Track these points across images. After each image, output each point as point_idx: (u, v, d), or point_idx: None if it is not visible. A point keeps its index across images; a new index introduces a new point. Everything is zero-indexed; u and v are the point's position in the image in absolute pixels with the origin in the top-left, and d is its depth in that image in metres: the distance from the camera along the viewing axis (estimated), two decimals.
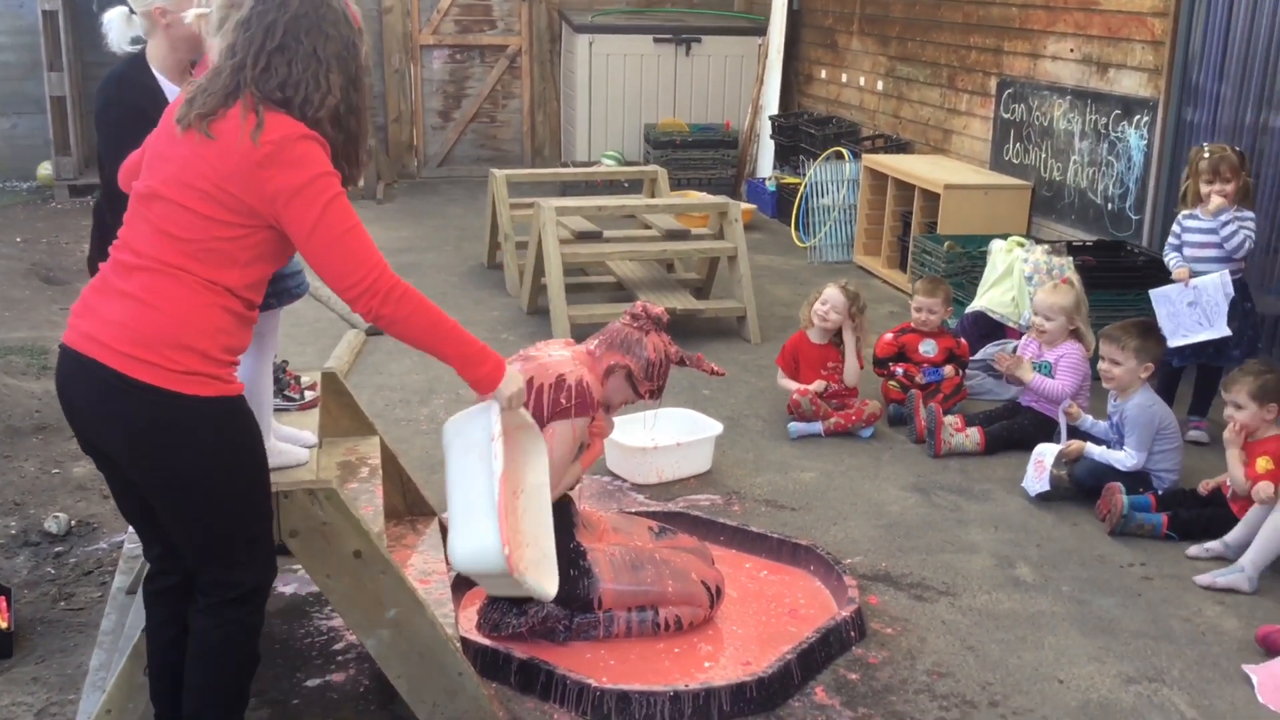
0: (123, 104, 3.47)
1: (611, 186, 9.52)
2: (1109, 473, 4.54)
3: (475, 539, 2.85)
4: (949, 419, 5.10)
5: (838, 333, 5.34)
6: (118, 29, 3.38)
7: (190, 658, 2.71)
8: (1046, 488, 4.59)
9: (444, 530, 3.90)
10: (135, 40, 3.47)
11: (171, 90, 3.58)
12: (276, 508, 2.79)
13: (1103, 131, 6.69)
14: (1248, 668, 3.53)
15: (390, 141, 11.22)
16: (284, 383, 3.49)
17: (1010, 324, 5.87)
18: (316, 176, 2.52)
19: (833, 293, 5.28)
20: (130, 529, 4.19)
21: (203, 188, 2.50)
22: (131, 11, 3.36)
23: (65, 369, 2.57)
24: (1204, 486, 4.44)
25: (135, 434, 2.50)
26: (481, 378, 2.79)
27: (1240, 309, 5.01)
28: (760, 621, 3.73)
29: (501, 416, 2.88)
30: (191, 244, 2.51)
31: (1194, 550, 4.23)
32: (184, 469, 2.52)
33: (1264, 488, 4.07)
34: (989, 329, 5.96)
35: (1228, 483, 4.32)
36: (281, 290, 3.27)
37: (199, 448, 2.51)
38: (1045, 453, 4.66)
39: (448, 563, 3.71)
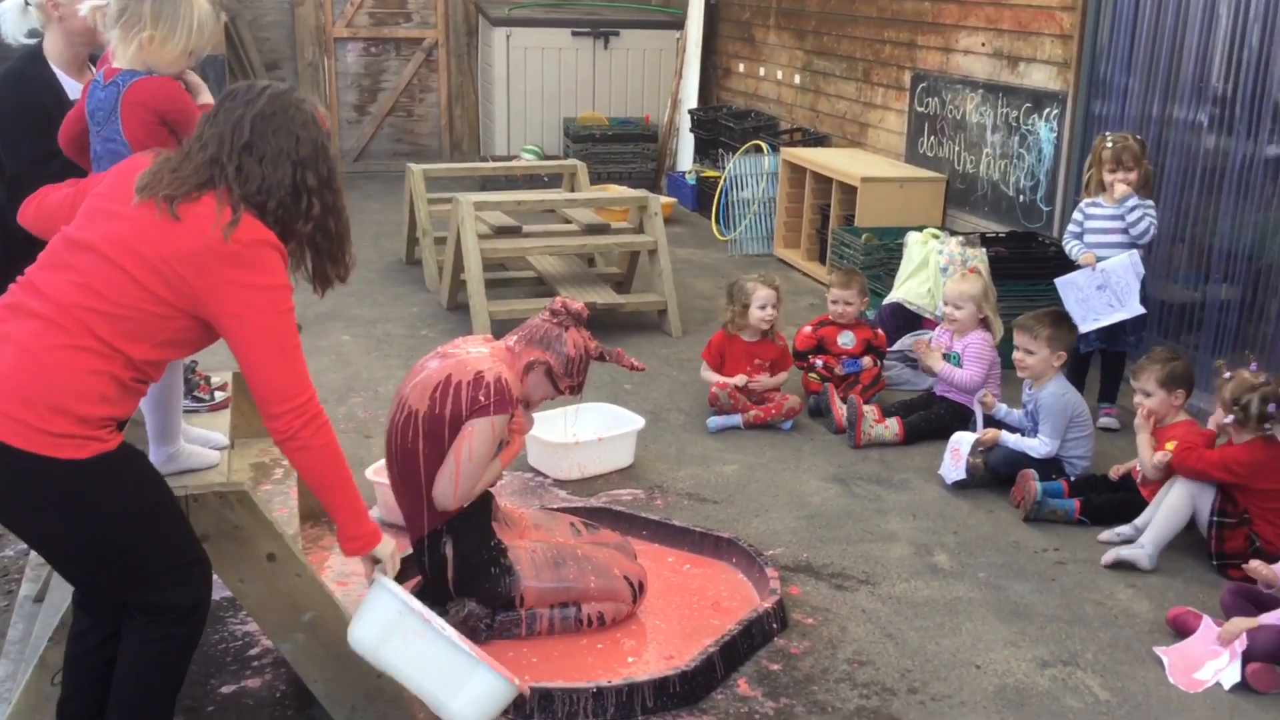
0: (24, 103, 3.38)
1: (531, 181, 9.47)
2: (1023, 460, 4.62)
3: (487, 695, 2.70)
4: (867, 409, 5.15)
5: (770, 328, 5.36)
6: (12, 21, 3.29)
7: (121, 672, 2.65)
8: (963, 476, 4.66)
9: None
10: (32, 33, 3.37)
11: (71, 85, 3.48)
12: (186, 511, 2.72)
13: (1014, 124, 6.80)
14: (1159, 650, 3.61)
15: None
16: (193, 384, 3.42)
17: (927, 315, 5.94)
18: (278, 287, 2.50)
19: (766, 294, 5.28)
20: None
21: (150, 258, 2.42)
22: (27, 3, 3.27)
23: None
24: (1114, 472, 4.53)
25: (10, 502, 2.42)
26: (362, 535, 2.70)
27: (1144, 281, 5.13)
28: (683, 615, 3.73)
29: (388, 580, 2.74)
30: (112, 305, 2.42)
31: (1105, 535, 4.32)
32: (74, 531, 2.44)
33: (1161, 456, 4.20)
34: (906, 320, 6.03)
35: (1137, 468, 4.41)
36: None
37: (86, 508, 2.43)
38: (961, 441, 4.72)
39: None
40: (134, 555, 2.52)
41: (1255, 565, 3.76)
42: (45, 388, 2.37)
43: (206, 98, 3.21)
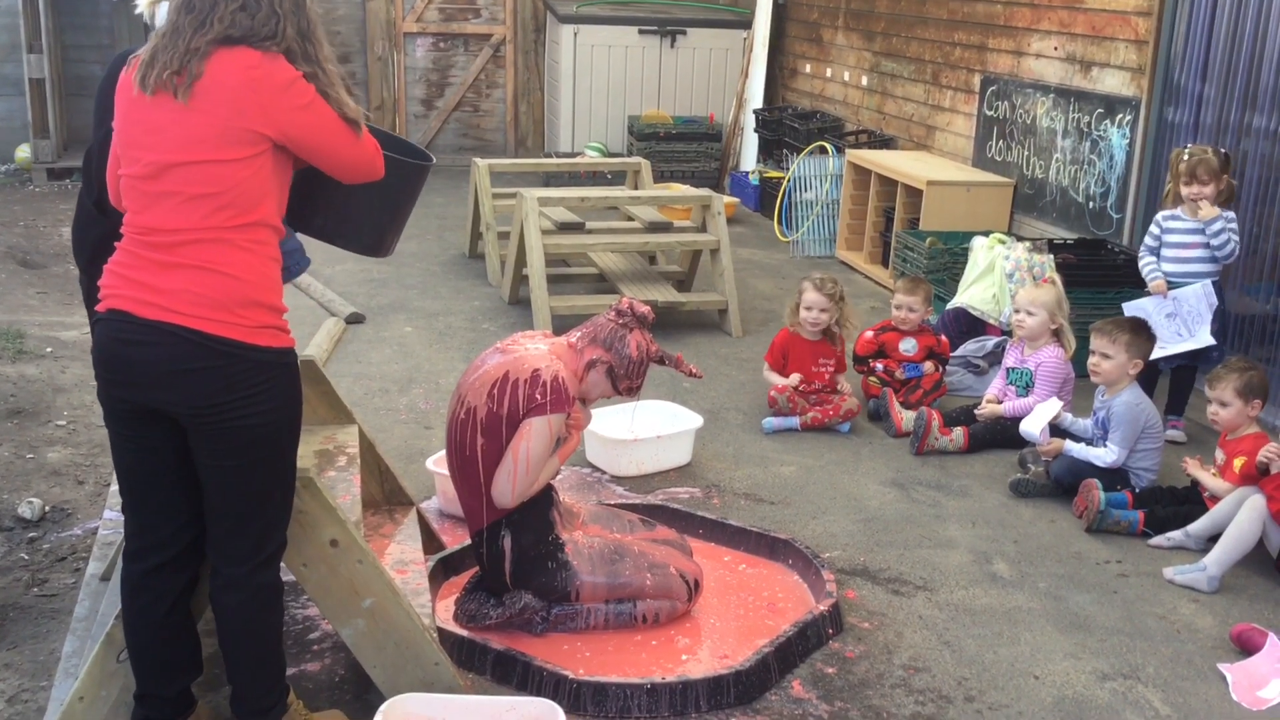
0: (112, 83, 3.45)
1: (594, 178, 9.51)
2: (1087, 469, 4.55)
3: None
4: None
5: (828, 328, 5.32)
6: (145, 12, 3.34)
7: (233, 635, 2.77)
8: (1045, 438, 4.66)
9: (422, 520, 3.88)
10: None
11: None
12: None
13: (1085, 130, 6.70)
14: (1222, 666, 3.55)
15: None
16: None
17: (991, 321, 5.88)
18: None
19: (812, 296, 5.26)
20: (108, 515, 4.17)
21: (212, 135, 2.55)
22: None
23: (126, 333, 2.56)
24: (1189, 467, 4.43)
25: (215, 391, 2.56)
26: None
27: (1216, 311, 5.01)
28: (738, 615, 3.73)
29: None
30: (223, 191, 2.56)
31: (1157, 539, 4.27)
32: (259, 421, 2.61)
33: (1229, 487, 4.18)
34: (970, 325, 5.97)
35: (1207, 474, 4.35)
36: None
37: (272, 399, 2.63)
38: (1054, 405, 4.77)
39: (425, 552, 3.70)
40: (283, 458, 2.71)
41: None
42: (233, 290, 2.56)
43: None
